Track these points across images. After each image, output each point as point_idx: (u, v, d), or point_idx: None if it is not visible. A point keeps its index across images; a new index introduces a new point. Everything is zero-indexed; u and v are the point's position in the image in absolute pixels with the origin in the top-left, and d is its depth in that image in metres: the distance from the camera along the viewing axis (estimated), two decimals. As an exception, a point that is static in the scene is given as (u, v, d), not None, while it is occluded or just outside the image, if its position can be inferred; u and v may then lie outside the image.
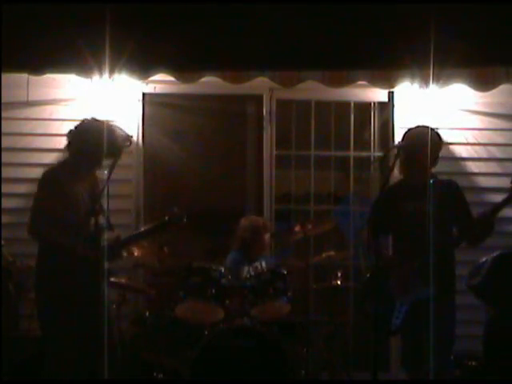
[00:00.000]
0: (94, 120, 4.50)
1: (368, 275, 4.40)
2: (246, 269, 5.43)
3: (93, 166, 4.49)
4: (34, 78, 5.47)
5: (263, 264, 5.51)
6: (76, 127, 4.51)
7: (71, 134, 4.49)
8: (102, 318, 4.26)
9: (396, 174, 5.09)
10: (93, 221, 4.22)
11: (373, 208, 4.46)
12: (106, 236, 4.38)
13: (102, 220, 4.27)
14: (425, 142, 4.28)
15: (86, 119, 4.52)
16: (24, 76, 5.40)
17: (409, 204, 4.34)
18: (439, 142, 4.43)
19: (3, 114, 5.59)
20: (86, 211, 4.31)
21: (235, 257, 5.55)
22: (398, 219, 4.39)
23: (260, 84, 5.71)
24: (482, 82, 5.45)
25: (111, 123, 4.56)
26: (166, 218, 4.59)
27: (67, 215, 4.30)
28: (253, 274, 5.29)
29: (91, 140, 4.40)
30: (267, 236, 5.59)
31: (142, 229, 4.83)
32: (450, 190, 4.40)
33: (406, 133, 4.42)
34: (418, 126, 4.44)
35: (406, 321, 4.23)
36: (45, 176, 4.42)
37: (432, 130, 4.41)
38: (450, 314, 4.29)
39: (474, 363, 5.15)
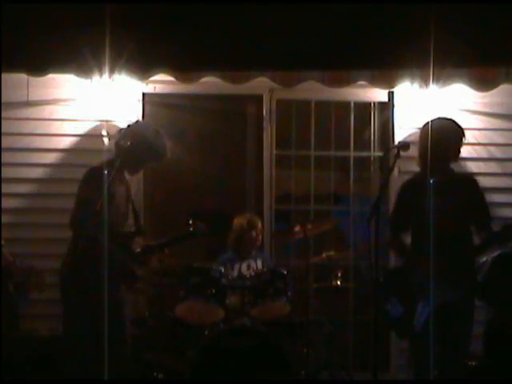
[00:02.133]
0: (147, 123, 4.48)
1: (385, 274, 4.36)
2: (237, 266, 5.45)
3: (137, 168, 4.48)
4: (34, 78, 5.47)
5: (258, 262, 5.52)
6: (129, 126, 4.49)
7: (122, 134, 4.45)
8: (120, 319, 4.30)
9: (396, 175, 5.12)
10: (130, 225, 4.26)
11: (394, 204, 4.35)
12: (136, 241, 4.44)
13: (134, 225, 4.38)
14: (445, 134, 4.23)
15: (138, 120, 4.51)
16: (24, 76, 5.40)
17: (424, 199, 4.22)
18: (460, 135, 4.36)
19: (3, 114, 5.59)
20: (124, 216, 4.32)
21: (227, 255, 5.58)
22: (418, 215, 4.30)
23: (260, 84, 5.71)
24: (482, 82, 5.45)
25: (159, 129, 4.55)
26: (191, 229, 4.61)
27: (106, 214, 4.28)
28: (246, 272, 5.32)
29: (141, 143, 4.37)
30: (255, 232, 5.59)
31: (168, 238, 4.82)
32: (467, 186, 4.35)
33: (425, 124, 4.35)
34: (438, 118, 4.37)
35: (428, 323, 4.13)
36: (90, 172, 4.40)
37: (453, 122, 4.35)
38: (470, 316, 4.24)
39: (474, 363, 5.14)
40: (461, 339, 4.18)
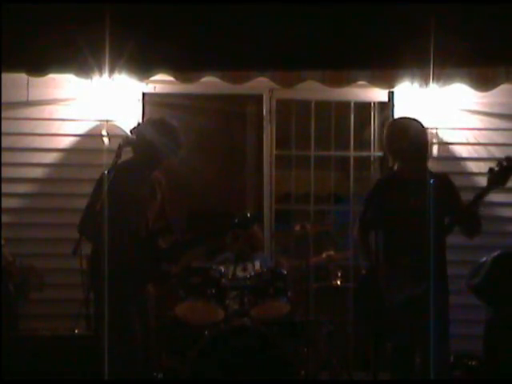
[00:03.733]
0: (157, 119, 4.46)
1: (360, 276, 4.35)
2: (232, 268, 5.43)
3: (154, 165, 4.45)
4: (34, 78, 5.47)
5: (257, 264, 5.49)
6: (139, 124, 4.46)
7: (135, 132, 4.37)
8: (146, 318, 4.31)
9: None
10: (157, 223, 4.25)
11: (364, 202, 4.35)
12: (165, 239, 4.41)
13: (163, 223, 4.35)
14: (412, 134, 4.19)
15: (151, 118, 4.48)
16: (24, 76, 5.40)
17: (400, 199, 4.21)
18: (424, 132, 4.32)
19: (3, 114, 5.59)
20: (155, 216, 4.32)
21: (225, 255, 5.56)
22: (388, 214, 4.25)
23: (260, 84, 5.71)
24: (482, 82, 5.45)
25: (174, 123, 4.47)
26: (236, 220, 4.57)
27: (125, 216, 4.24)
28: (243, 273, 5.31)
29: (151, 139, 4.31)
30: (252, 233, 5.57)
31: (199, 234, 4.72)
32: (442, 185, 4.28)
33: (389, 124, 4.33)
34: (401, 118, 4.37)
35: (396, 321, 4.09)
36: (101, 175, 4.34)
37: (418, 121, 4.31)
38: (443, 313, 4.18)
39: (474, 363, 5.14)
40: (438, 336, 4.13)
